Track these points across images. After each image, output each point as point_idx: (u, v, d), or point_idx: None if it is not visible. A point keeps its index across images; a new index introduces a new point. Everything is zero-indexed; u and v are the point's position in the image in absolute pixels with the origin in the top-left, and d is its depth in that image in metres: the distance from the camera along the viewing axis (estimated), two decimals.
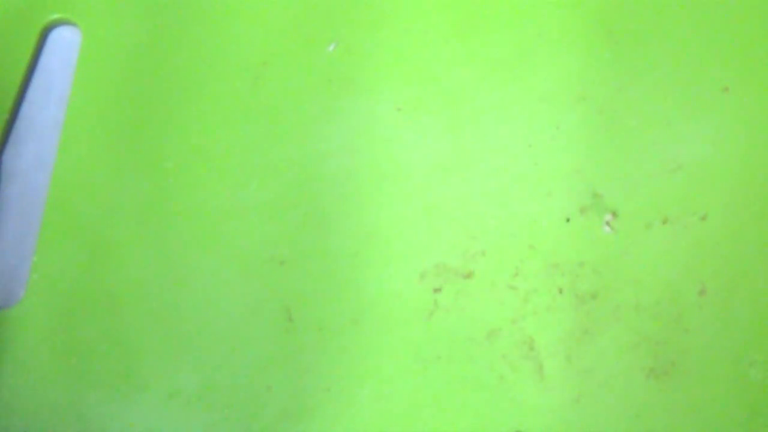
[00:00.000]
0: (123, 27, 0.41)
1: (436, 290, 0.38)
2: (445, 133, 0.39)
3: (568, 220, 0.38)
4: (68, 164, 0.40)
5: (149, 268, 0.38)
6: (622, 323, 0.38)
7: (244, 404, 0.37)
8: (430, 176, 0.39)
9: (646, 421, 0.37)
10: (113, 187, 0.39)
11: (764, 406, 0.37)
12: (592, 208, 0.38)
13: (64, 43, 0.42)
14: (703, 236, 0.38)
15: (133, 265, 0.38)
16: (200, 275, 0.38)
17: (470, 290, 0.38)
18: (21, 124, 0.41)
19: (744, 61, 0.39)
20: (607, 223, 0.38)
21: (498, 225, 0.39)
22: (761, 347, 0.38)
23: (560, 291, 0.38)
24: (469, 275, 0.38)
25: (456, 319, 0.38)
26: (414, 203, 0.39)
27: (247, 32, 0.41)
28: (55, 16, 0.42)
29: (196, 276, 0.38)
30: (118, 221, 0.39)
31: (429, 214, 0.39)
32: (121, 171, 0.39)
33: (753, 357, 0.38)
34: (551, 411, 0.37)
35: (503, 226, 0.39)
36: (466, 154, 0.39)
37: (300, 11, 0.40)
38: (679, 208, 0.38)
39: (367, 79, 0.40)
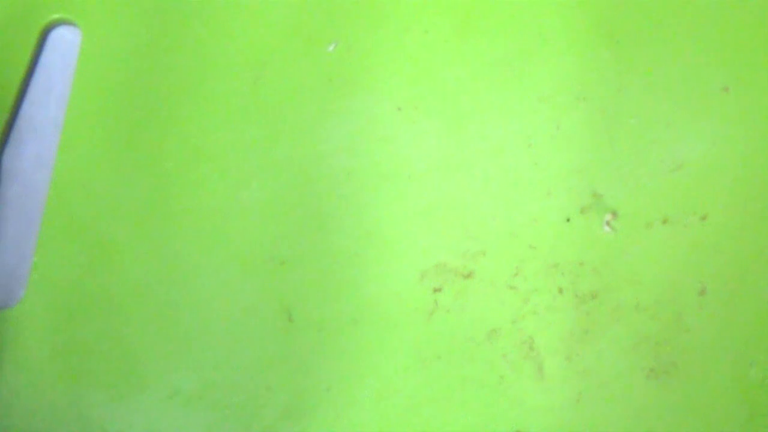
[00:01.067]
0: (123, 27, 0.41)
1: (437, 290, 0.38)
2: (445, 133, 0.39)
3: (568, 220, 0.38)
4: (68, 164, 0.40)
5: (149, 268, 0.38)
6: (622, 323, 0.38)
7: (244, 404, 0.37)
8: (430, 176, 0.39)
9: (646, 421, 0.37)
10: (113, 187, 0.39)
11: (764, 406, 0.37)
12: (592, 208, 0.38)
13: (64, 43, 0.42)
14: (703, 236, 0.38)
15: (133, 265, 0.38)
16: (200, 275, 0.38)
17: (470, 290, 0.38)
18: (21, 124, 0.41)
19: (744, 61, 0.39)
20: (607, 223, 0.38)
21: (498, 225, 0.39)
22: (761, 347, 0.38)
23: (560, 291, 0.38)
24: (469, 275, 0.38)
25: (456, 319, 0.38)
26: (414, 203, 0.39)
27: (247, 32, 0.41)
28: (55, 16, 0.42)
29: (196, 276, 0.38)
30: (118, 221, 0.39)
31: (429, 214, 0.38)
32: (121, 171, 0.39)
33: (753, 357, 0.38)
34: (551, 411, 0.37)
35: (503, 226, 0.39)
36: (466, 154, 0.39)
37: (300, 11, 0.40)
38: (679, 208, 0.38)
39: (367, 79, 0.40)
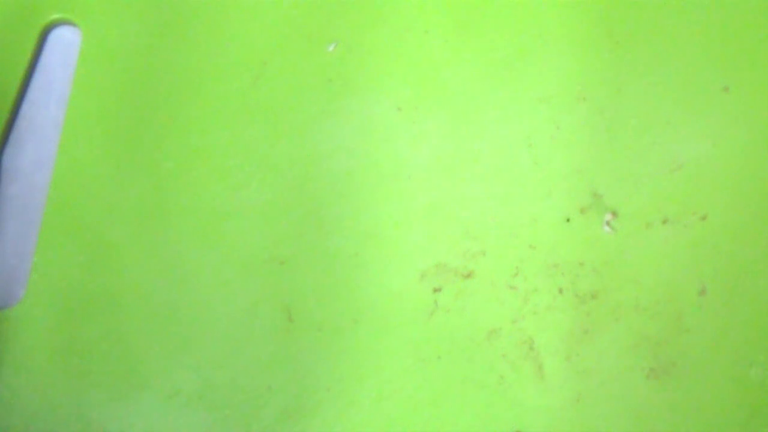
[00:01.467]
0: (123, 27, 0.41)
1: (436, 290, 0.38)
2: (445, 133, 0.39)
3: (568, 220, 0.38)
4: (68, 164, 0.40)
5: (149, 268, 0.38)
6: (622, 323, 0.38)
7: (244, 404, 0.37)
8: (430, 176, 0.39)
9: (646, 421, 0.37)
10: (113, 187, 0.39)
11: (764, 406, 0.37)
12: (592, 208, 0.39)
13: (64, 43, 0.42)
14: (703, 236, 0.38)
15: (133, 265, 0.38)
16: (200, 275, 0.38)
17: (470, 290, 0.38)
18: (21, 124, 0.41)
19: (744, 61, 0.39)
20: (607, 223, 0.38)
21: (498, 225, 0.39)
22: (761, 347, 0.38)
23: (560, 291, 0.38)
24: (469, 275, 0.38)
25: (456, 319, 0.38)
26: (414, 203, 0.39)
27: (247, 32, 0.41)
28: (55, 16, 0.42)
29: (196, 276, 0.38)
30: (118, 221, 0.39)
31: (429, 214, 0.39)
32: (121, 171, 0.39)
33: (753, 357, 0.38)
34: (551, 411, 0.37)
35: (503, 226, 0.39)
36: (466, 154, 0.39)
37: (300, 11, 0.40)
38: (679, 208, 0.38)
39: (367, 79, 0.40)
